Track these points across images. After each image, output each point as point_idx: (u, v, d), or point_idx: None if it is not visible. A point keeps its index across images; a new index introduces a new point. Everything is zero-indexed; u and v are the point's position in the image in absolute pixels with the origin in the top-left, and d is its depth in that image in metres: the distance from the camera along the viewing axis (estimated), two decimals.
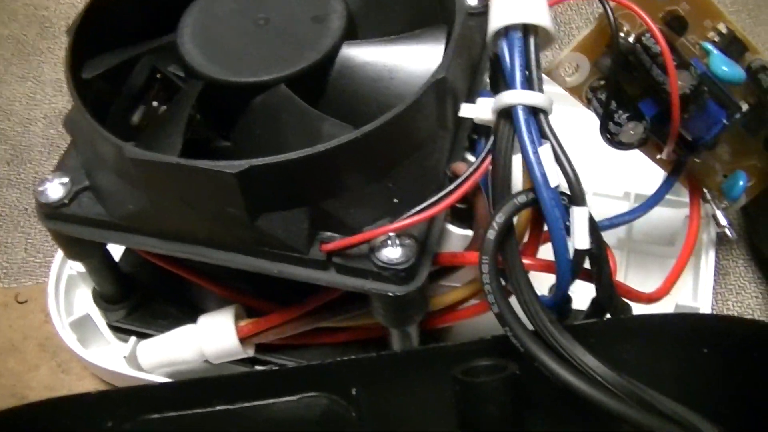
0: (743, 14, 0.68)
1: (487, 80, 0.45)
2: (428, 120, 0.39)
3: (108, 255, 0.46)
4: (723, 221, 0.48)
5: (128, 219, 0.39)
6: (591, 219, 0.36)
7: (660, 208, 0.53)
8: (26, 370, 0.52)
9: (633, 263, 0.53)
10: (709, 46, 0.42)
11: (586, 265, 0.38)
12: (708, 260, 0.51)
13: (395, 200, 0.38)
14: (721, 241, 0.55)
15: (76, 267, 0.51)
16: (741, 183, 0.47)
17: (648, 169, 0.49)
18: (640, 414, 0.33)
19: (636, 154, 0.48)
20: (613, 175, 0.56)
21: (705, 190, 0.49)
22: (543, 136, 0.36)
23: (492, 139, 0.38)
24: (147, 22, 0.44)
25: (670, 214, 0.54)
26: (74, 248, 0.43)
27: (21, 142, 0.65)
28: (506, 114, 0.37)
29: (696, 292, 0.50)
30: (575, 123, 0.47)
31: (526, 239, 0.40)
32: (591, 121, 0.44)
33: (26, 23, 0.73)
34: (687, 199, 0.49)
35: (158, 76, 0.45)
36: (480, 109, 0.39)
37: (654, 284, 0.46)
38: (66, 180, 0.41)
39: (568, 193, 0.36)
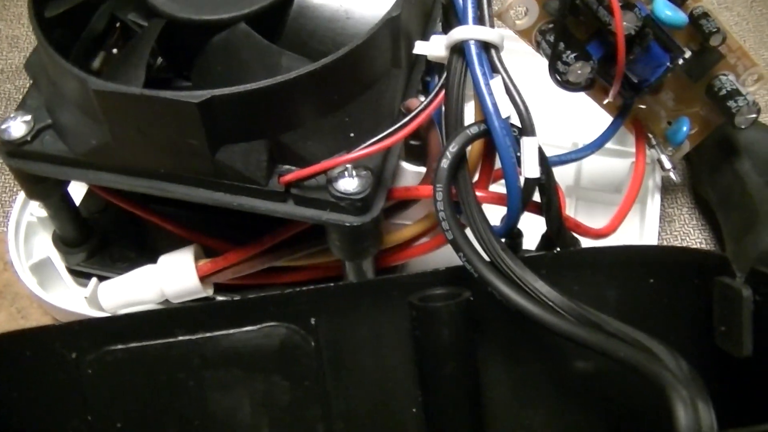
0: None
1: (440, 28, 0.46)
2: (383, 57, 0.40)
3: (68, 197, 0.47)
4: (667, 164, 0.50)
5: (90, 155, 0.40)
6: (540, 150, 0.38)
7: (607, 158, 0.55)
8: None
9: (581, 210, 0.55)
10: None
11: (537, 198, 0.39)
12: (654, 203, 0.52)
13: (351, 134, 0.39)
14: (666, 189, 0.57)
15: (36, 213, 0.52)
16: (684, 129, 0.49)
17: (596, 122, 0.51)
18: (590, 334, 0.34)
19: (585, 108, 0.50)
20: (563, 128, 0.57)
21: (651, 137, 0.50)
22: (494, 70, 0.38)
23: (445, 74, 0.39)
24: None
25: (617, 164, 0.56)
26: (36, 187, 0.44)
27: None
28: (458, 50, 0.38)
29: (642, 234, 0.52)
30: (526, 74, 0.48)
31: (477, 176, 0.41)
32: (542, 73, 0.45)
33: None
34: (633, 149, 0.51)
35: (117, 25, 0.46)
36: (433, 46, 0.40)
37: None
38: (28, 118, 0.41)
39: (519, 126, 0.38)
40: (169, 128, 0.37)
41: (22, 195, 0.52)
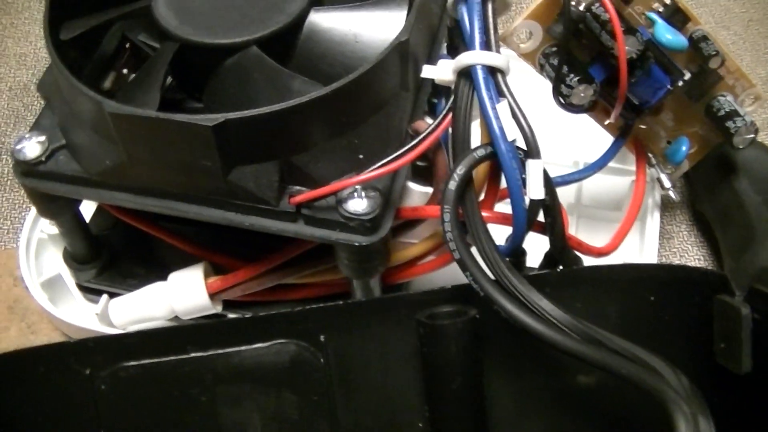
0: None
1: (445, 51, 0.47)
2: (391, 80, 0.41)
3: (79, 215, 0.48)
4: (667, 184, 0.51)
5: (104, 175, 0.41)
6: (545, 172, 0.38)
7: (608, 176, 0.56)
8: None
9: (582, 227, 0.56)
10: (654, 16, 0.45)
11: (541, 218, 0.40)
12: (653, 221, 0.53)
13: (360, 156, 0.40)
14: (665, 206, 0.58)
15: (47, 230, 0.53)
16: (684, 148, 0.50)
17: (596, 140, 0.52)
18: (593, 351, 0.35)
19: (585, 127, 0.50)
20: (564, 146, 0.58)
21: (651, 156, 0.51)
22: (500, 94, 0.39)
23: (452, 98, 0.40)
24: None
25: (618, 182, 0.57)
26: (48, 205, 0.45)
27: None
28: (466, 74, 0.39)
29: (642, 251, 0.53)
30: (529, 94, 0.49)
31: (483, 196, 0.42)
32: (544, 93, 0.46)
33: None
34: (633, 168, 0.52)
35: (127, 45, 0.47)
36: (441, 70, 0.41)
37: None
38: (43, 138, 0.42)
39: (524, 148, 0.39)
40: (183, 150, 0.38)
41: (33, 212, 0.53)
